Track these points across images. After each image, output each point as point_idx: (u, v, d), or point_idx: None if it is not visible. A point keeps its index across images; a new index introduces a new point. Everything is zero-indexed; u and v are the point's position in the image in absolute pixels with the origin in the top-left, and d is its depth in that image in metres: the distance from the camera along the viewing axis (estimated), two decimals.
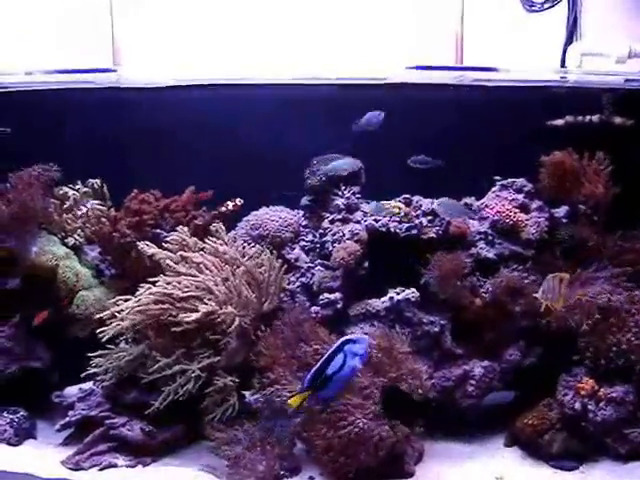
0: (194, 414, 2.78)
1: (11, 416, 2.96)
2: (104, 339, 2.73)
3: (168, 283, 2.65)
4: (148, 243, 2.80)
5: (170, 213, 2.97)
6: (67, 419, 2.82)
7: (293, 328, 2.75)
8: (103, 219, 3.01)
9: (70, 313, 3.01)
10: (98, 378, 2.84)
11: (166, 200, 3.02)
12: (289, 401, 2.40)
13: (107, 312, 2.69)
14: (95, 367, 2.81)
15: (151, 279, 2.71)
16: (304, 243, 3.12)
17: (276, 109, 3.25)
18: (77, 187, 3.22)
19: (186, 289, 2.62)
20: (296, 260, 3.05)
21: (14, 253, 3.02)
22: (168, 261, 2.72)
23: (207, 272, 2.68)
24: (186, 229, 2.83)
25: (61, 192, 3.17)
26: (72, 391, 2.95)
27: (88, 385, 2.94)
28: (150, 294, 2.62)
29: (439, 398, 2.82)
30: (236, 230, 3.10)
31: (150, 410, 2.70)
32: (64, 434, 2.91)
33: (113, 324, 2.66)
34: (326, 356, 2.38)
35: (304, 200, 3.18)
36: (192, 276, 2.67)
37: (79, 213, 3.09)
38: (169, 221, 2.96)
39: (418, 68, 2.82)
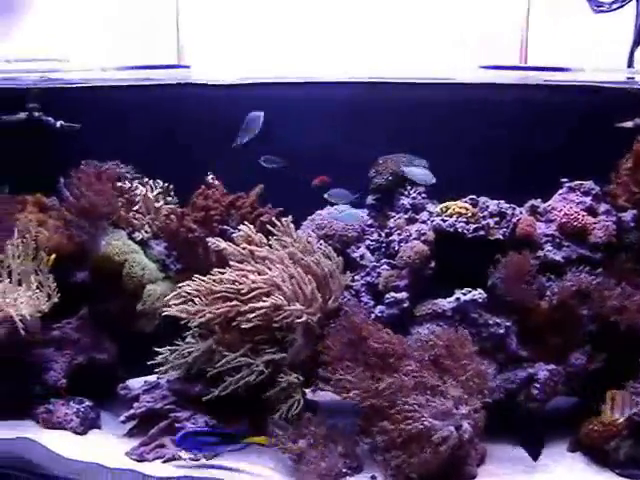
0: (258, 410, 2.79)
1: (77, 406, 3.00)
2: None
3: (235, 280, 2.64)
4: (217, 238, 2.80)
5: (236, 209, 2.98)
6: (132, 411, 2.85)
7: (356, 326, 2.71)
8: (170, 215, 3.02)
9: (136, 307, 3.01)
10: (164, 371, 2.85)
11: (232, 197, 3.02)
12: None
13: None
14: (161, 361, 2.80)
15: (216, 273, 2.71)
16: (369, 242, 3.11)
17: (338, 107, 3.24)
18: (145, 183, 3.24)
19: (253, 285, 2.62)
20: (361, 259, 3.05)
21: (83, 247, 3.04)
22: (235, 257, 2.71)
23: (274, 268, 2.68)
24: (252, 226, 2.82)
25: (129, 188, 3.19)
26: (137, 383, 2.96)
27: (153, 378, 2.97)
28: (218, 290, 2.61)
29: (502, 400, 2.75)
30: (301, 229, 3.09)
31: (208, 397, 2.72)
32: (128, 425, 2.94)
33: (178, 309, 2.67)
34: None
35: (369, 199, 3.18)
36: (259, 272, 2.67)
37: (144, 207, 3.10)
38: (235, 217, 2.96)
39: (490, 68, 2.79)
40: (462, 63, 3.04)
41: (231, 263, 2.74)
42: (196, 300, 2.72)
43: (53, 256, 2.95)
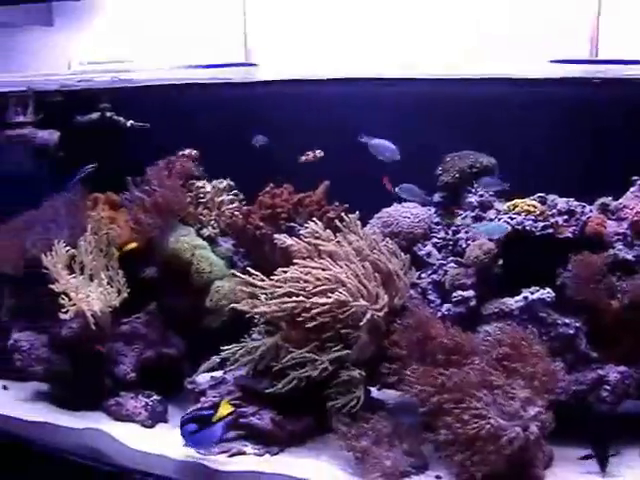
0: (323, 407, 2.78)
1: (145, 399, 3.06)
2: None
3: (300, 276, 2.66)
4: (284, 235, 2.82)
5: (304, 207, 2.99)
6: (198, 405, 2.87)
7: (423, 324, 2.69)
8: (236, 212, 3.06)
9: (203, 303, 3.05)
10: (231, 367, 2.88)
11: (300, 195, 3.04)
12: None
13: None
14: (228, 357, 2.83)
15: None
16: (436, 240, 3.09)
17: (408, 105, 3.22)
18: (212, 181, 3.28)
19: (318, 282, 2.63)
20: (428, 256, 3.03)
21: (152, 243, 3.10)
22: (301, 253, 2.73)
23: (339, 265, 2.68)
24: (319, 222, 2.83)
25: (197, 185, 3.24)
26: (204, 379, 2.99)
27: (219, 373, 3.00)
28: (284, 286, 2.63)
29: (571, 402, 2.70)
30: (367, 227, 3.09)
31: (272, 389, 2.73)
32: None
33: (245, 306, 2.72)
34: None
35: (436, 196, 3.15)
36: (324, 268, 2.68)
37: (212, 204, 3.14)
38: (303, 215, 2.97)
39: (560, 62, 2.74)
40: (530, 58, 2.96)
41: (296, 260, 2.73)
42: (262, 296, 2.70)
43: (133, 245, 2.98)
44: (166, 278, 3.15)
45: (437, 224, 3.12)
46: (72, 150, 3.41)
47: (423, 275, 3.02)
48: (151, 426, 3.02)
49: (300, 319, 2.70)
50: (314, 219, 2.88)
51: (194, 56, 3.30)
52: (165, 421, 3.07)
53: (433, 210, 3.15)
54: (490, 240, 2.85)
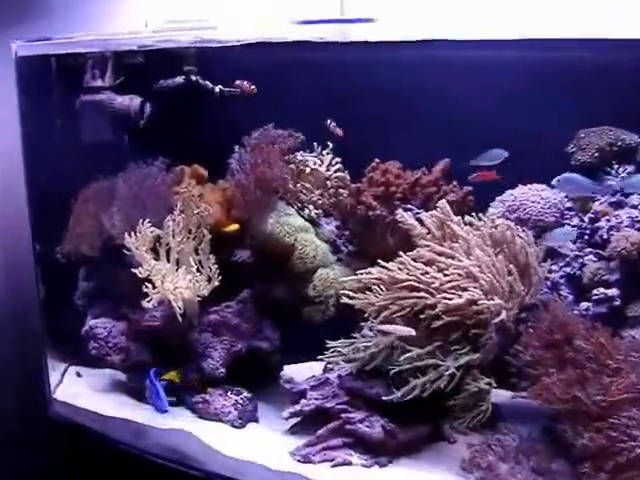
0: (438, 413, 2.49)
1: (235, 397, 2.78)
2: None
3: (425, 267, 2.30)
4: (407, 213, 2.46)
5: (421, 188, 2.63)
6: (298, 407, 2.59)
7: (562, 325, 2.34)
8: (342, 189, 2.70)
9: (304, 293, 2.72)
10: (336, 367, 2.58)
11: (416, 173, 2.67)
12: None
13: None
14: (334, 354, 2.51)
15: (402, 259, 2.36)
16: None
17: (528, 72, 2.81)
18: (314, 154, 2.92)
19: (447, 276, 2.28)
20: (560, 247, 2.64)
21: (247, 222, 2.77)
22: (426, 239, 2.37)
23: (471, 255, 2.32)
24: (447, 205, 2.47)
25: (297, 159, 2.88)
26: (303, 378, 2.67)
27: (315, 370, 2.72)
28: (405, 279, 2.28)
29: None
30: (489, 212, 2.72)
31: (390, 397, 2.40)
32: (289, 421, 2.68)
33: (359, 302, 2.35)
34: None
35: None
36: (455, 258, 2.32)
37: (314, 181, 2.79)
38: (419, 196, 2.61)
39: None
40: None
41: (420, 247, 2.37)
42: (376, 288, 2.36)
43: (235, 227, 2.74)
44: (263, 263, 2.83)
45: (569, 210, 2.72)
46: (154, 118, 3.04)
47: (554, 267, 2.63)
48: (241, 426, 2.73)
49: (422, 317, 2.35)
50: (442, 201, 2.48)
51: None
52: (256, 420, 2.78)
53: (563, 194, 2.73)
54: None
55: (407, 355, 2.37)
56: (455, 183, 2.71)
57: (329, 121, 2.80)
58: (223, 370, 2.78)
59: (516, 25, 2.34)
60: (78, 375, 3.16)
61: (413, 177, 2.64)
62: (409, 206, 2.63)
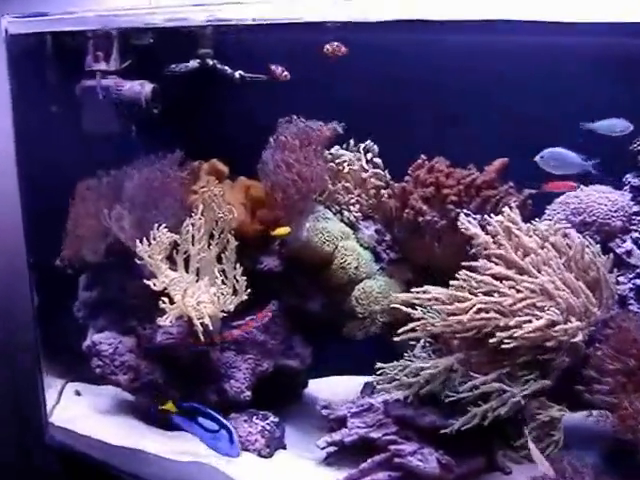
0: (491, 442, 2.22)
1: (262, 423, 2.48)
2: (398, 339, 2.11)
3: (492, 283, 2.00)
4: (468, 219, 2.15)
5: (476, 190, 2.31)
6: (338, 437, 2.29)
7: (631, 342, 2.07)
8: (383, 190, 2.39)
9: (347, 305, 2.40)
10: (382, 391, 2.29)
11: (471, 174, 2.35)
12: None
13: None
14: (381, 378, 2.20)
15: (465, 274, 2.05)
16: (638, 235, 2.39)
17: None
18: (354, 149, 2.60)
19: (520, 294, 1.97)
20: (628, 256, 2.35)
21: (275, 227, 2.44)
22: (490, 250, 2.06)
23: (543, 270, 2.02)
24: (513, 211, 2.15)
25: (335, 155, 2.55)
26: (342, 403, 2.35)
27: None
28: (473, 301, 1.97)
29: None
30: (548, 214, 2.41)
31: (448, 430, 2.11)
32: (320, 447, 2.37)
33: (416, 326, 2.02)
34: None
35: (635, 179, 2.45)
36: (527, 273, 2.02)
37: (352, 180, 2.47)
38: (475, 200, 2.30)
39: None
40: None
41: (486, 259, 2.06)
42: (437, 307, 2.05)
43: (285, 230, 2.39)
44: (292, 272, 2.50)
45: (637, 214, 2.42)
46: (167, 106, 2.68)
47: (621, 279, 2.33)
48: (269, 455, 2.43)
49: (488, 339, 2.05)
50: (509, 207, 2.17)
51: None
52: (284, 447, 2.49)
53: (629, 196, 2.44)
54: None
55: (471, 383, 2.04)
56: (512, 184, 2.38)
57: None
58: (248, 393, 2.48)
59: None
60: (77, 394, 2.82)
61: (467, 177, 2.31)
62: (465, 211, 2.28)
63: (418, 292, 2.10)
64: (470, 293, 2.08)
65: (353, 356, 2.61)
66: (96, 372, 2.60)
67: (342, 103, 2.61)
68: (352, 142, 2.63)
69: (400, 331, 2.09)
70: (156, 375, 2.56)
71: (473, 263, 2.10)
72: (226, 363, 2.52)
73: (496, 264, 2.07)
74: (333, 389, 2.82)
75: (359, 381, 2.61)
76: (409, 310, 2.13)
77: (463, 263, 2.10)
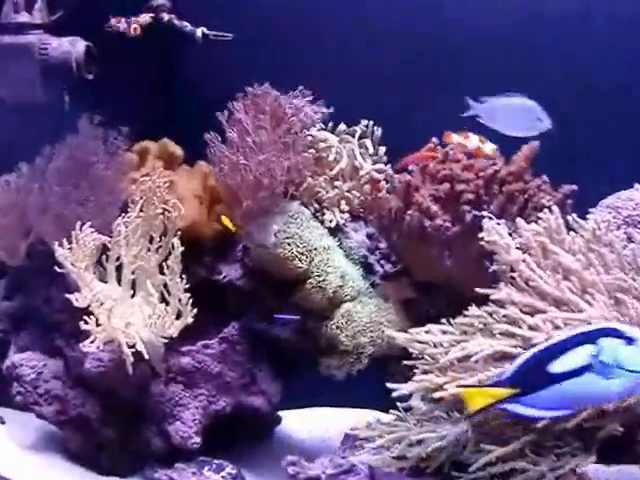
0: None
1: (215, 476, 1.96)
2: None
3: (526, 321, 1.43)
4: (493, 225, 1.57)
5: (499, 184, 1.73)
6: None
7: None
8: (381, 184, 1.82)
9: (325, 334, 1.83)
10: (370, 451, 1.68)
11: (492, 164, 1.76)
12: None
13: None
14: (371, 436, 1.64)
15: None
16: None
17: None
18: (340, 130, 2.02)
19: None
20: None
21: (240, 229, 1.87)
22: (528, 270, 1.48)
23: (592, 298, 1.45)
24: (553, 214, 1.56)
25: (318, 138, 1.96)
26: (316, 461, 1.81)
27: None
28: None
29: None
30: (593, 221, 1.83)
31: None
32: None
33: (419, 381, 1.45)
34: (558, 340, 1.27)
35: None
36: (567, 305, 1.45)
37: (338, 171, 1.89)
38: (498, 198, 1.72)
39: None
40: None
41: (507, 278, 1.49)
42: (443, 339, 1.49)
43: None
44: (259, 286, 1.95)
45: None
46: (105, 72, 2.11)
47: None
48: None
49: None
50: (548, 211, 1.58)
51: None
52: None
53: None
54: None
55: (486, 458, 1.47)
56: (546, 178, 1.80)
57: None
58: (197, 440, 1.94)
59: None
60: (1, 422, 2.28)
61: (489, 168, 1.73)
62: (487, 213, 1.70)
63: (418, 333, 1.51)
64: (486, 330, 1.50)
65: (333, 383, 2.05)
66: (17, 400, 2.13)
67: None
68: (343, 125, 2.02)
69: (393, 386, 1.50)
70: (87, 408, 2.06)
71: (494, 292, 1.50)
72: (171, 400, 1.98)
73: (527, 292, 1.47)
74: (308, 426, 2.30)
75: (340, 416, 2.29)
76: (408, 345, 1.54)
77: (482, 291, 1.52)
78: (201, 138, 1.99)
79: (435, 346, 1.54)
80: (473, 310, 1.56)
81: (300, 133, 1.85)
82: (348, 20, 2.25)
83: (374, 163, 2.01)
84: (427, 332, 1.57)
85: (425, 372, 1.56)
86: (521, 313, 1.49)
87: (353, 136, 2.03)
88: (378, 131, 2.08)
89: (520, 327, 1.45)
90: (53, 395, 2.10)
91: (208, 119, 1.95)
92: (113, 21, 2.14)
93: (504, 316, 1.48)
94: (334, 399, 2.36)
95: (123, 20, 2.15)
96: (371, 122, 2.06)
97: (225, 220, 1.92)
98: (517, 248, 1.54)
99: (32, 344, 2.20)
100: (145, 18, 2.22)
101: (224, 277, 2.00)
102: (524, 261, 1.54)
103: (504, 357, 1.48)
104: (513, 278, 1.56)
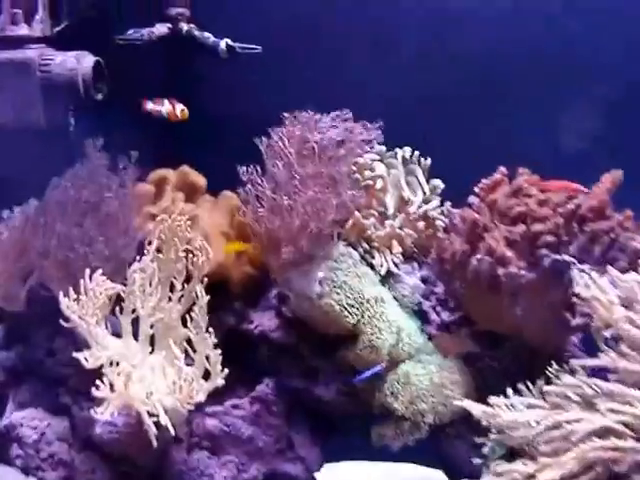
0: None
1: None
2: None
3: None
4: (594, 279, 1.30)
5: (579, 222, 1.46)
6: None
7: None
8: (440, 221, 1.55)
9: (379, 399, 1.57)
10: None
11: (571, 197, 1.49)
12: None
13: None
14: None
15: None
16: None
17: None
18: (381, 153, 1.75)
19: None
20: None
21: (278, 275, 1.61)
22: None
23: None
24: None
25: (362, 165, 1.69)
26: None
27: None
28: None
29: None
30: None
31: None
32: None
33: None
34: None
35: None
36: None
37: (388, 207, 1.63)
38: (579, 238, 1.45)
39: None
40: None
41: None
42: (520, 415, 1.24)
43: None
44: (298, 340, 1.68)
45: None
46: (118, 90, 1.85)
47: None
48: None
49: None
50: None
51: None
52: None
53: None
54: None
55: None
56: (630, 212, 1.53)
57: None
58: None
59: None
60: None
61: (568, 203, 1.46)
62: (569, 258, 1.42)
63: (499, 406, 1.24)
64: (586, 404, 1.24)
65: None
66: (16, 464, 1.88)
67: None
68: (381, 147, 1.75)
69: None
70: (98, 475, 1.80)
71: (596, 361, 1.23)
72: (195, 469, 1.71)
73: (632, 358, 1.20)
74: None
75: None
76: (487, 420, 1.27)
77: (582, 362, 1.25)
78: (214, 160, 1.74)
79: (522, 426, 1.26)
80: (567, 379, 1.28)
81: (349, 163, 1.56)
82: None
83: (424, 194, 1.74)
84: (509, 405, 1.30)
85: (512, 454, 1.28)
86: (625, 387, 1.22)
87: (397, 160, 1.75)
88: (427, 160, 1.81)
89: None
90: (58, 460, 1.87)
91: (238, 146, 1.68)
92: (150, 106, 1.88)
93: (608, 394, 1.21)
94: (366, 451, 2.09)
95: (166, 102, 1.88)
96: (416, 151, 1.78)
97: (230, 247, 1.66)
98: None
99: (33, 400, 1.95)
100: (162, 29, 1.95)
101: (256, 327, 1.73)
102: (630, 320, 1.26)
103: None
104: (615, 340, 1.29)
